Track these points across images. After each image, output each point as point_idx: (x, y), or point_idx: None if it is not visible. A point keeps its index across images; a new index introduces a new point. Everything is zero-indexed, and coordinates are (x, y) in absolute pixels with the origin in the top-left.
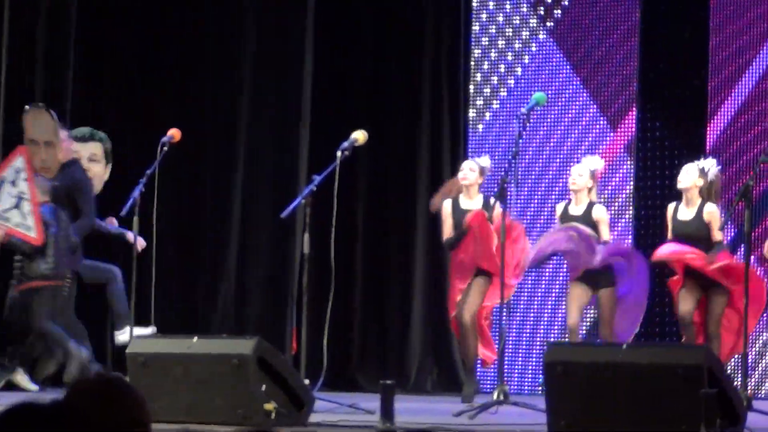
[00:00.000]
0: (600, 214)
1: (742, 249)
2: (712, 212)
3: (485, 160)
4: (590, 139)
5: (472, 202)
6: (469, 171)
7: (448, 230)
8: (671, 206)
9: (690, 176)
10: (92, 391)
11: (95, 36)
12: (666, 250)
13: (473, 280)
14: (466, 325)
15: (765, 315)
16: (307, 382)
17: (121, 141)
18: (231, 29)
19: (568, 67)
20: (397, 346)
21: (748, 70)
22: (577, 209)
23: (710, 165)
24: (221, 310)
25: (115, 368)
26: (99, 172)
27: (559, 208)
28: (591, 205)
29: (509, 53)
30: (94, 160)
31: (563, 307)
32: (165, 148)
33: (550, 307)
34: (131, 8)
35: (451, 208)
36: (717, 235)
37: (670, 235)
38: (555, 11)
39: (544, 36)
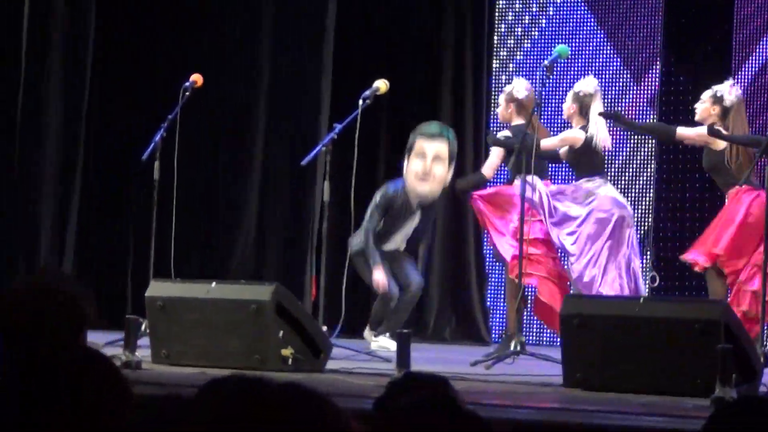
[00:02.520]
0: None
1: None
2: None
3: (516, 84)
4: (614, 92)
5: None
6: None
7: (486, 166)
8: None
9: (703, 104)
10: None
11: None
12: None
13: None
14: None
15: None
16: (325, 329)
17: (144, 85)
18: None
19: (592, 19)
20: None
21: None
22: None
23: (724, 89)
24: (241, 257)
25: (135, 311)
26: (440, 173)
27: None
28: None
29: (534, 5)
30: (438, 158)
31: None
32: (187, 93)
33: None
34: None
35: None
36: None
37: None
38: None
39: None
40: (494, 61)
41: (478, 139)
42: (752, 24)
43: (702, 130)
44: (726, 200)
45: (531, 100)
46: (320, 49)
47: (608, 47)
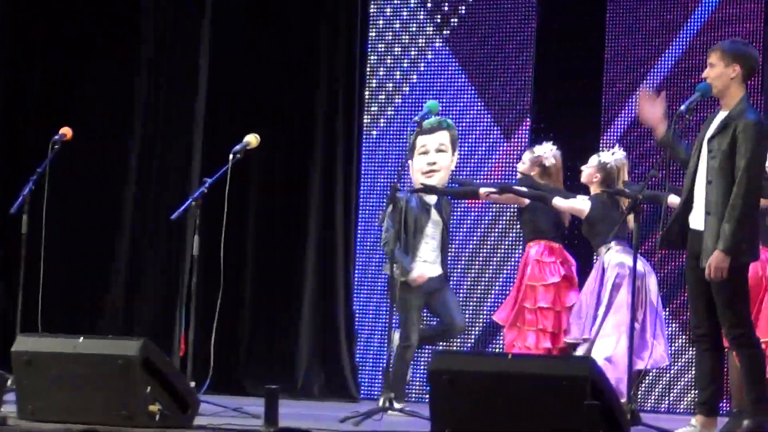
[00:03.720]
0: None
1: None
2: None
3: (545, 149)
4: (483, 148)
5: None
6: (521, 164)
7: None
8: None
9: (586, 170)
10: None
11: None
12: None
13: None
14: None
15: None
16: (193, 384)
17: (15, 138)
18: (126, 28)
19: (463, 76)
20: (285, 351)
21: (641, 84)
22: None
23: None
24: (111, 312)
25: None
26: (446, 163)
27: None
28: None
29: (405, 60)
30: (441, 150)
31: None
32: (56, 147)
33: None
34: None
35: None
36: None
37: None
38: (452, 20)
39: (441, 44)
40: (365, 116)
41: (348, 194)
42: (620, 84)
43: (575, 203)
44: None
45: (558, 168)
46: (192, 104)
47: (479, 103)
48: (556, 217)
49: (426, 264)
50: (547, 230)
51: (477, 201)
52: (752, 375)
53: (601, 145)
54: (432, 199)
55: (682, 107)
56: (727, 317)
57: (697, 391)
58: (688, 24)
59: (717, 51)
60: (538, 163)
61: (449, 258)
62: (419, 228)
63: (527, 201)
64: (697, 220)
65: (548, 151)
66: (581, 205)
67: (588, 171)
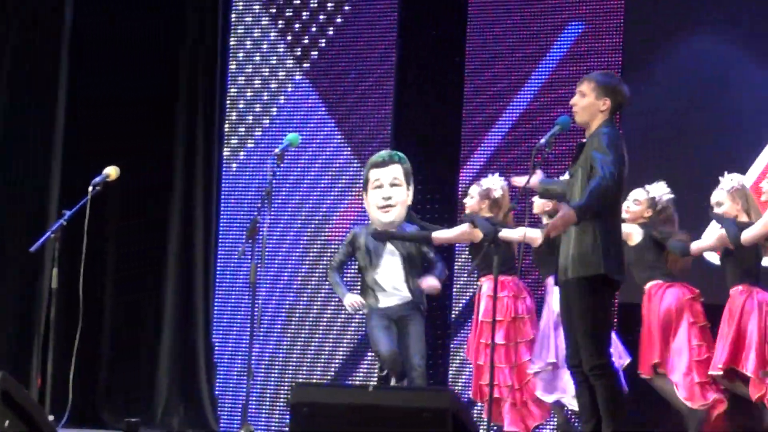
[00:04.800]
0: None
1: None
2: None
3: (493, 182)
4: (344, 181)
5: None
6: (468, 198)
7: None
8: None
9: (470, 201)
10: None
11: None
12: None
13: None
14: None
15: None
16: (52, 418)
17: None
18: None
19: (323, 108)
20: (144, 383)
21: (500, 118)
22: None
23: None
24: None
25: None
26: (402, 198)
27: None
28: None
29: (265, 93)
30: (396, 184)
31: (313, 347)
32: None
33: (299, 346)
34: None
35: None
36: None
37: None
38: (312, 52)
39: (301, 76)
40: (225, 149)
41: (208, 226)
42: (480, 116)
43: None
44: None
45: (507, 200)
46: (51, 135)
47: (339, 136)
48: (506, 252)
49: (385, 294)
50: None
51: None
52: (612, 406)
53: (460, 177)
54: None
55: (542, 140)
56: (586, 346)
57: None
58: (547, 57)
59: (591, 81)
60: (487, 196)
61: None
62: (375, 260)
63: (480, 237)
64: (564, 245)
65: (496, 183)
66: (532, 233)
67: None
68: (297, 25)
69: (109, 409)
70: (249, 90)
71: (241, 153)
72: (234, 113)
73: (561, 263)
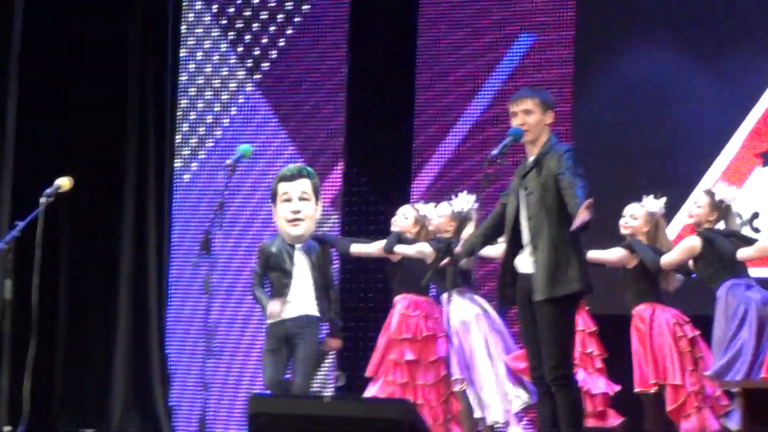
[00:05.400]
0: None
1: None
2: None
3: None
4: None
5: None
6: (402, 217)
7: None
8: None
9: (437, 219)
10: None
11: None
12: None
13: None
14: None
15: None
16: (8, 429)
17: None
18: None
19: (275, 119)
20: (100, 394)
21: (451, 130)
22: None
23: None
24: None
25: None
26: (311, 212)
27: None
28: None
29: (216, 104)
30: (305, 198)
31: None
32: None
33: (255, 356)
34: None
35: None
36: None
37: None
38: (263, 64)
39: (252, 88)
40: (177, 161)
41: (161, 238)
42: (432, 128)
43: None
44: None
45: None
46: (2, 145)
47: (291, 147)
48: (420, 270)
49: (290, 305)
50: (412, 283)
51: None
52: (572, 418)
53: (412, 189)
54: (299, 247)
55: (494, 151)
56: (551, 356)
57: None
58: (498, 69)
59: (533, 99)
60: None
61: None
62: (285, 270)
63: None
64: (525, 263)
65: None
66: (425, 248)
67: (440, 220)
68: (248, 37)
69: (64, 420)
70: (200, 101)
71: (193, 164)
72: (185, 124)
73: (521, 284)
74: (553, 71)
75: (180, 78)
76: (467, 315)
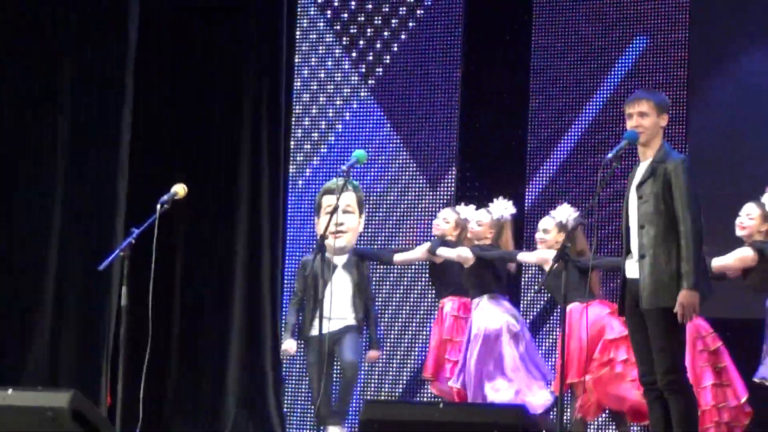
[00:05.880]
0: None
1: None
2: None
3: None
4: (410, 197)
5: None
6: (443, 221)
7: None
8: None
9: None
10: None
11: None
12: None
13: None
14: None
15: None
16: None
17: None
18: (46, 77)
19: (388, 124)
20: (212, 399)
21: (565, 134)
22: None
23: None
24: (35, 363)
25: None
26: (353, 225)
27: None
28: None
29: (330, 110)
30: (348, 211)
31: (380, 365)
32: None
33: (366, 364)
34: None
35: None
36: None
37: None
38: (377, 69)
39: (366, 93)
40: (291, 166)
41: (275, 243)
42: (546, 132)
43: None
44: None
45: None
46: (117, 151)
47: (404, 152)
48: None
49: (328, 320)
50: (457, 286)
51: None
52: (685, 423)
53: (525, 192)
54: (341, 259)
55: (609, 155)
56: (662, 362)
57: None
58: (613, 71)
59: (649, 101)
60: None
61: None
62: (326, 283)
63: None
64: (632, 268)
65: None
66: (466, 253)
67: (479, 229)
68: (361, 42)
69: (178, 425)
70: (314, 107)
71: (307, 170)
72: (299, 130)
73: (629, 288)
74: (667, 74)
75: (294, 84)
76: (495, 323)
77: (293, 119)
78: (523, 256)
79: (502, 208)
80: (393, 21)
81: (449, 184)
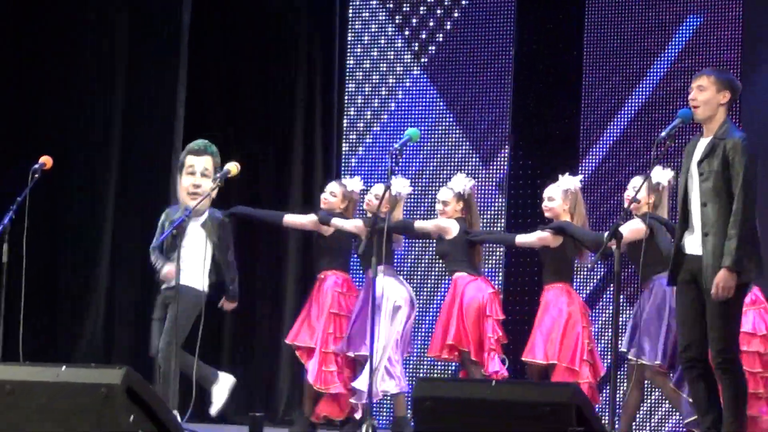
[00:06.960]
0: None
1: (612, 288)
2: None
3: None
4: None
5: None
6: (329, 194)
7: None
8: None
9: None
10: None
11: None
12: None
13: None
14: None
15: None
16: (176, 413)
17: None
18: (102, 59)
19: (441, 103)
20: (266, 379)
21: (619, 112)
22: None
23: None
24: (90, 339)
25: None
26: (207, 188)
27: None
28: None
29: (383, 88)
30: (205, 175)
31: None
32: (36, 176)
33: (419, 343)
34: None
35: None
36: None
37: None
38: (429, 47)
39: (419, 71)
40: (344, 145)
41: None
42: (599, 110)
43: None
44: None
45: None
46: (171, 130)
47: (458, 130)
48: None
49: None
50: (341, 261)
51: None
52: (735, 401)
53: (580, 171)
54: (198, 220)
55: (663, 133)
56: (718, 340)
57: (696, 418)
58: (666, 51)
59: (709, 76)
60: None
61: None
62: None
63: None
64: (693, 244)
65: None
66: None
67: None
68: (414, 20)
69: (231, 404)
70: (367, 85)
71: (360, 148)
72: (352, 109)
73: (688, 265)
74: (721, 52)
75: (347, 62)
76: (399, 296)
77: (346, 98)
78: (420, 224)
79: (401, 185)
80: None
81: (502, 162)
